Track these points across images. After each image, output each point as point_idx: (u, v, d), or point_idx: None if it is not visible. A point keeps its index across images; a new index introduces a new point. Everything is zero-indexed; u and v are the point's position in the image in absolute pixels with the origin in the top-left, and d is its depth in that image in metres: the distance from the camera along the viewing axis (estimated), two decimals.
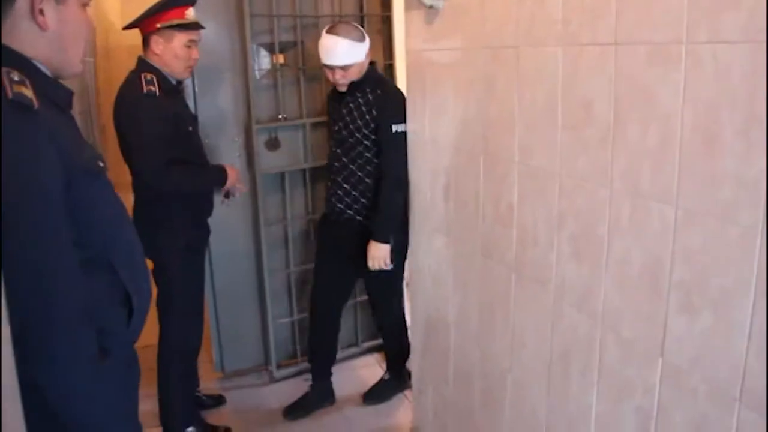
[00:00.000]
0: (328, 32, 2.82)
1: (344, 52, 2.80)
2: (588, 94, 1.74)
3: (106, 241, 1.36)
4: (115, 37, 5.23)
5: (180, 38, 2.68)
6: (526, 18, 1.97)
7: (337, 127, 2.98)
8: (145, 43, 2.70)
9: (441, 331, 2.73)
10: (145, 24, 2.67)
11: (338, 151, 2.98)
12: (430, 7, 2.48)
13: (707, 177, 1.41)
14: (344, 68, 2.84)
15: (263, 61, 3.36)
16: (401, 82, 3.25)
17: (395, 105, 2.86)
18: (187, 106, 2.92)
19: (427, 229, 2.75)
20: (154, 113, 2.58)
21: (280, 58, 3.37)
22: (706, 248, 1.43)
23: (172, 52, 2.67)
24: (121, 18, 7.43)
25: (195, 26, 2.72)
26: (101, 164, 1.36)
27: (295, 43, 3.36)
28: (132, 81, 2.64)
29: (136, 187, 2.76)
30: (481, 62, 2.22)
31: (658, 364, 1.57)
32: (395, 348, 3.40)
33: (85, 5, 1.35)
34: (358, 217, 3.01)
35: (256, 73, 3.32)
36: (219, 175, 2.86)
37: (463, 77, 2.35)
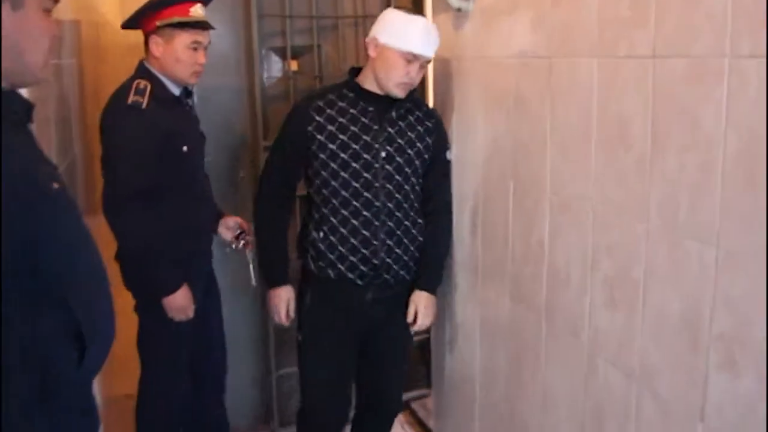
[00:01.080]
0: (409, 14, 2.50)
1: (437, 42, 2.52)
2: (624, 113, 1.80)
3: (61, 270, 1.43)
4: (109, 35, 5.43)
5: (182, 39, 2.63)
6: (559, 25, 2.05)
7: (384, 154, 2.51)
8: (145, 45, 2.68)
9: (466, 388, 2.77)
10: (142, 22, 2.64)
11: (389, 187, 2.53)
12: (458, 9, 2.58)
13: (751, 214, 1.45)
14: (426, 65, 2.57)
15: (274, 67, 3.47)
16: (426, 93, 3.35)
17: (443, 125, 2.72)
18: (193, 121, 2.85)
19: (453, 267, 2.81)
20: (134, 129, 2.53)
21: (294, 65, 3.48)
22: (750, 296, 1.46)
23: (173, 55, 2.63)
24: (120, 12, 7.72)
25: (201, 25, 2.66)
26: (56, 185, 1.43)
27: (311, 48, 3.48)
28: (121, 89, 2.62)
29: None
30: (512, 74, 2.30)
31: (698, 431, 1.60)
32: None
33: (47, 10, 1.46)
34: (404, 274, 2.63)
35: (265, 81, 3.44)
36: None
37: (493, 91, 2.43)
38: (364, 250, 2.51)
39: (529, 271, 2.28)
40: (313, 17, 3.46)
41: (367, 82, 2.55)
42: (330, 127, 2.50)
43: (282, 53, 3.46)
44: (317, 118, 2.52)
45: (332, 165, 2.50)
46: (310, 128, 2.51)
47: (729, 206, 1.51)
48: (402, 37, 2.43)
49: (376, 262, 2.52)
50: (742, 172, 1.47)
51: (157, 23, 2.62)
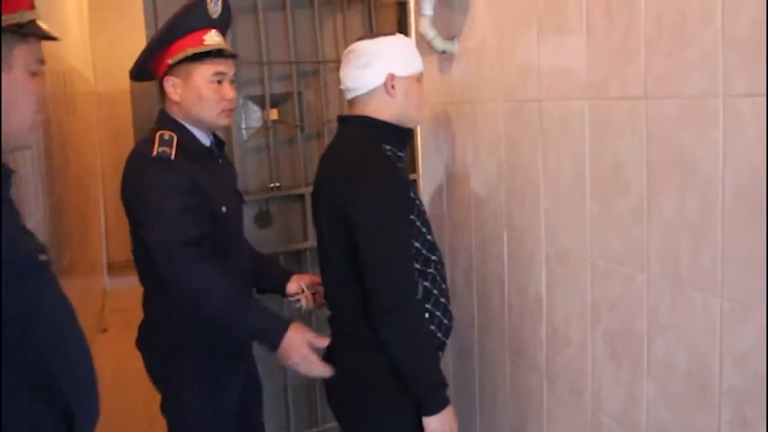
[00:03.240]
0: (389, 35, 2.32)
1: None
2: (618, 156, 1.82)
3: (44, 350, 1.41)
4: (76, 84, 5.48)
5: (202, 72, 2.37)
6: (548, 65, 2.08)
7: (429, 234, 2.29)
8: (161, 91, 2.46)
9: None
10: (152, 66, 2.43)
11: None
12: (443, 52, 2.62)
13: (755, 258, 1.46)
14: None
15: (252, 117, 3.51)
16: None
17: None
18: (229, 178, 2.61)
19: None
20: (166, 178, 2.27)
21: (273, 114, 3.53)
22: (758, 348, 1.46)
23: (194, 94, 2.38)
24: (92, 59, 7.83)
25: (222, 54, 2.41)
26: (44, 257, 1.42)
27: (290, 95, 3.53)
28: (142, 143, 2.39)
29: (144, 278, 2.54)
30: (501, 118, 2.33)
31: None
32: None
33: (33, 74, 1.45)
34: None
35: (243, 132, 3.48)
36: (268, 322, 2.24)
37: (483, 136, 2.45)
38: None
39: (527, 328, 2.28)
40: (292, 63, 3.51)
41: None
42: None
43: (260, 102, 3.50)
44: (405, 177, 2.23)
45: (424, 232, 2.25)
46: (412, 194, 2.21)
47: (731, 251, 1.52)
48: (410, 59, 2.29)
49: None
50: (744, 214, 1.49)
51: (169, 62, 2.37)
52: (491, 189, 2.43)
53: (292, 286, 2.63)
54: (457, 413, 2.66)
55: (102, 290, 7.16)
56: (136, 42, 2.68)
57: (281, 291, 2.65)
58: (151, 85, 2.87)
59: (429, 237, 2.23)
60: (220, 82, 2.40)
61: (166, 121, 2.42)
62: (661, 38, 1.66)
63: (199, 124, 2.42)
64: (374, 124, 2.22)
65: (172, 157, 2.30)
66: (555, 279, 2.12)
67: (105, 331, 6.20)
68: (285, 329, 2.18)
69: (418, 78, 2.28)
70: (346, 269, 2.15)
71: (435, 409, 2.09)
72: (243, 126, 3.50)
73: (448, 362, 2.84)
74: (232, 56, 2.46)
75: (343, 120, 2.33)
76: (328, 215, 2.21)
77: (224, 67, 2.41)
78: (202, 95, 2.38)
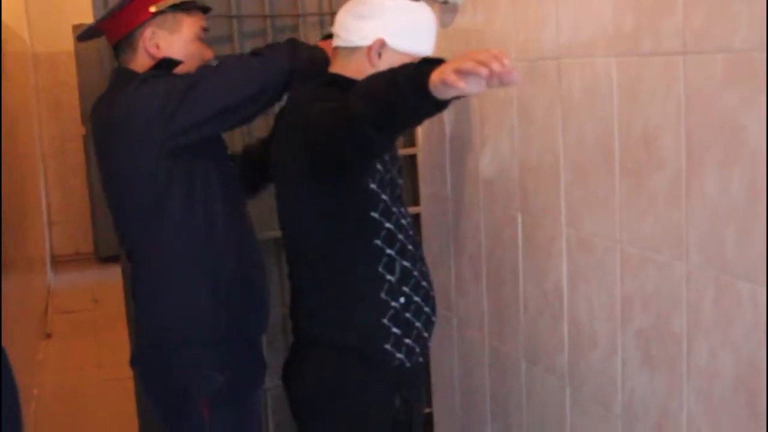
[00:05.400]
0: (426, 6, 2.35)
1: None
2: (651, 124, 1.81)
3: None
4: (10, 44, 5.42)
5: (191, 25, 2.45)
6: (568, 18, 2.07)
7: (401, 180, 2.39)
8: (127, 47, 2.45)
9: None
10: (127, 14, 2.40)
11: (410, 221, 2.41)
12: (445, 2, 2.60)
13: None
14: None
15: None
16: None
17: None
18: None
19: (454, 320, 2.81)
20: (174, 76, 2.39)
21: None
22: None
23: (181, 50, 2.43)
24: (25, 13, 7.73)
25: (206, 6, 2.53)
26: None
27: None
28: (123, 96, 2.35)
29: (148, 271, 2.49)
30: None
31: None
32: None
33: None
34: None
35: None
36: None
37: (492, 102, 2.45)
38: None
39: (545, 325, 2.28)
40: (267, 17, 3.48)
41: None
42: None
43: None
44: None
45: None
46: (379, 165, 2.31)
47: None
48: (416, 36, 2.27)
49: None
50: None
51: (152, 9, 2.38)
52: (502, 163, 2.42)
53: None
54: (464, 427, 2.68)
55: (45, 289, 7.16)
56: None
57: None
58: (100, 45, 2.83)
59: (399, 212, 2.29)
60: (202, 39, 2.49)
61: (131, 75, 2.39)
62: None
63: None
64: (341, 82, 2.21)
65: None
66: (578, 269, 2.12)
67: (49, 336, 6.21)
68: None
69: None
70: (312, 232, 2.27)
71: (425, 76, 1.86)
72: None
73: (452, 368, 2.84)
74: (208, 10, 2.54)
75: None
76: (286, 178, 2.30)
77: (205, 23, 2.50)
78: (189, 52, 2.43)
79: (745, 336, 1.61)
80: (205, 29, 2.49)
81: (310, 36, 3.55)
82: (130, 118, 2.32)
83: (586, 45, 2.01)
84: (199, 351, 2.42)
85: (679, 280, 1.77)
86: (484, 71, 1.70)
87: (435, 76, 1.79)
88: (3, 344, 1.70)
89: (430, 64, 1.87)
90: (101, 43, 2.67)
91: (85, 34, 2.54)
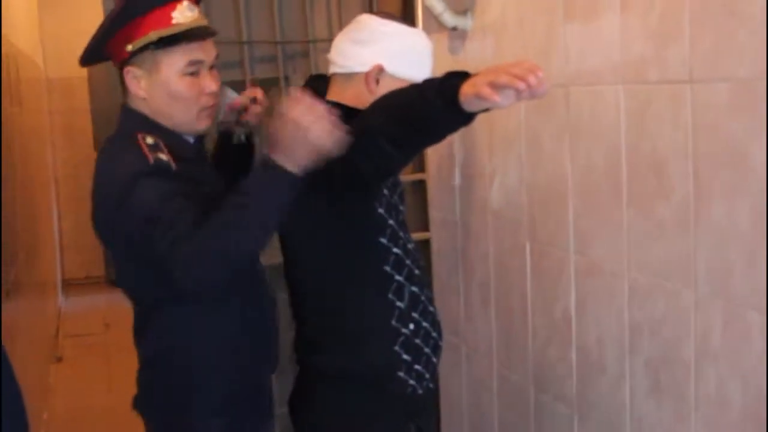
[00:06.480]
0: (407, 25, 2.31)
1: None
2: (659, 152, 1.82)
3: None
4: (24, 71, 5.43)
5: (171, 62, 2.15)
6: (576, 45, 2.08)
7: (403, 206, 2.33)
8: (121, 79, 2.24)
9: None
10: (107, 51, 2.22)
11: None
12: (454, 28, 2.62)
13: None
14: None
15: None
16: None
17: None
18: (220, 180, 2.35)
19: (462, 347, 2.81)
20: (168, 184, 2.05)
21: None
22: None
23: (163, 91, 2.16)
24: (40, 41, 7.80)
25: (196, 34, 2.18)
26: None
27: (276, 81, 3.52)
28: (118, 150, 2.17)
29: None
30: (524, 107, 2.33)
31: None
32: None
33: None
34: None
35: (220, 126, 3.47)
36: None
37: (501, 129, 2.46)
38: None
39: (554, 353, 2.27)
40: (278, 43, 3.50)
41: None
42: None
43: (240, 88, 3.48)
44: None
45: None
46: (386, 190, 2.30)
47: None
48: (414, 62, 2.23)
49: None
50: None
51: (129, 48, 2.14)
52: (511, 191, 2.43)
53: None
54: None
55: (56, 312, 7.18)
56: (93, 18, 2.56)
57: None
58: (112, 70, 2.83)
59: (405, 237, 2.26)
60: (194, 73, 2.17)
61: (136, 120, 2.20)
62: (708, 12, 1.65)
63: (173, 124, 2.20)
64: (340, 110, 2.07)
65: (174, 168, 2.09)
66: (586, 297, 2.12)
67: (60, 360, 6.21)
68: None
69: None
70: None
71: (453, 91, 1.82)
72: (219, 118, 3.48)
73: (461, 395, 2.84)
74: (211, 35, 2.23)
75: None
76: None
77: (201, 52, 2.17)
78: (174, 92, 2.16)
79: (753, 365, 1.60)
80: (197, 61, 2.17)
81: (321, 61, 3.58)
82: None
83: (594, 72, 2.02)
84: (203, 399, 2.28)
85: (688, 308, 1.77)
86: (521, 85, 1.67)
87: (468, 89, 1.77)
88: (8, 355, 1.68)
89: (456, 77, 1.85)
90: (113, 68, 2.64)
91: (85, 62, 2.35)
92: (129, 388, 2.34)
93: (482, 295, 2.65)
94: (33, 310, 5.23)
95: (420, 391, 2.27)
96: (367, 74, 2.17)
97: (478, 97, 1.73)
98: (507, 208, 2.46)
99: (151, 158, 2.06)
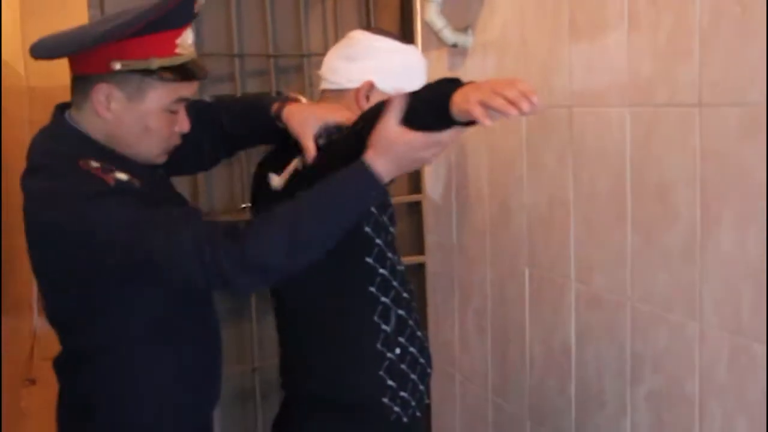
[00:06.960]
0: (398, 41, 2.26)
1: None
2: (665, 177, 1.81)
3: None
4: (7, 79, 5.43)
5: (160, 95, 1.98)
6: (581, 65, 2.08)
7: (393, 228, 2.29)
8: (80, 89, 2.00)
9: None
10: (86, 54, 1.96)
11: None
12: (454, 45, 2.62)
13: None
14: None
15: None
16: None
17: None
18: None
19: (457, 376, 2.79)
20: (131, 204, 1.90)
21: None
22: None
23: (139, 123, 1.99)
24: (22, 49, 7.79)
25: (196, 74, 2.04)
26: None
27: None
28: (59, 173, 1.95)
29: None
30: (525, 128, 2.33)
31: None
32: None
33: None
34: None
35: None
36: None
37: (501, 151, 2.45)
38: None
39: (552, 386, 2.26)
40: (270, 56, 3.50)
41: None
42: None
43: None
44: None
45: None
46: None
47: None
48: (405, 79, 2.18)
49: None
50: None
51: (117, 66, 1.93)
52: (510, 214, 2.42)
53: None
54: None
55: (30, 332, 7.12)
56: (78, 24, 2.52)
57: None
58: None
59: (394, 259, 2.21)
60: (175, 111, 2.02)
61: (72, 137, 2.00)
62: (719, 34, 1.65)
63: (131, 150, 2.03)
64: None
65: (138, 185, 1.95)
66: (587, 326, 2.11)
67: (33, 382, 6.16)
68: None
69: None
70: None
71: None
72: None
73: (454, 425, 2.82)
74: (205, 76, 2.08)
75: None
76: None
77: (189, 90, 2.04)
78: (150, 127, 2.00)
79: (760, 400, 1.60)
80: (184, 99, 2.02)
81: (315, 76, 3.57)
82: None
83: (600, 93, 2.02)
84: None
85: (692, 340, 1.76)
86: (513, 111, 1.64)
87: (460, 101, 1.73)
88: None
89: (449, 83, 1.82)
90: None
91: (37, 49, 2.12)
92: None
93: (478, 322, 2.64)
94: (6, 330, 5.19)
95: (405, 419, 2.25)
96: (357, 91, 2.17)
97: (469, 114, 1.72)
98: (506, 231, 2.45)
99: (110, 179, 1.91)
